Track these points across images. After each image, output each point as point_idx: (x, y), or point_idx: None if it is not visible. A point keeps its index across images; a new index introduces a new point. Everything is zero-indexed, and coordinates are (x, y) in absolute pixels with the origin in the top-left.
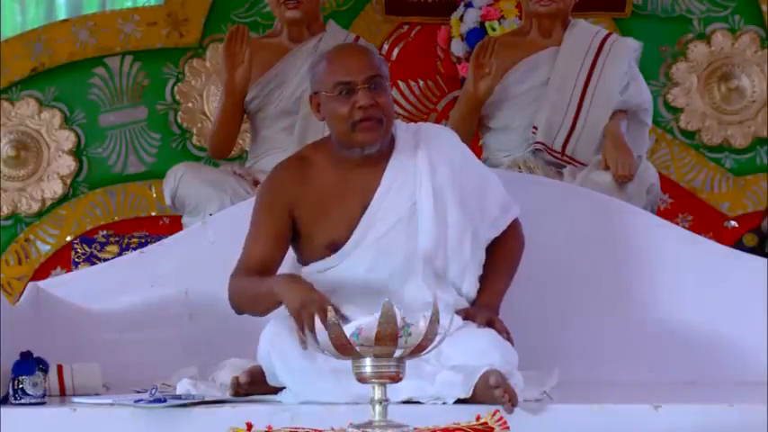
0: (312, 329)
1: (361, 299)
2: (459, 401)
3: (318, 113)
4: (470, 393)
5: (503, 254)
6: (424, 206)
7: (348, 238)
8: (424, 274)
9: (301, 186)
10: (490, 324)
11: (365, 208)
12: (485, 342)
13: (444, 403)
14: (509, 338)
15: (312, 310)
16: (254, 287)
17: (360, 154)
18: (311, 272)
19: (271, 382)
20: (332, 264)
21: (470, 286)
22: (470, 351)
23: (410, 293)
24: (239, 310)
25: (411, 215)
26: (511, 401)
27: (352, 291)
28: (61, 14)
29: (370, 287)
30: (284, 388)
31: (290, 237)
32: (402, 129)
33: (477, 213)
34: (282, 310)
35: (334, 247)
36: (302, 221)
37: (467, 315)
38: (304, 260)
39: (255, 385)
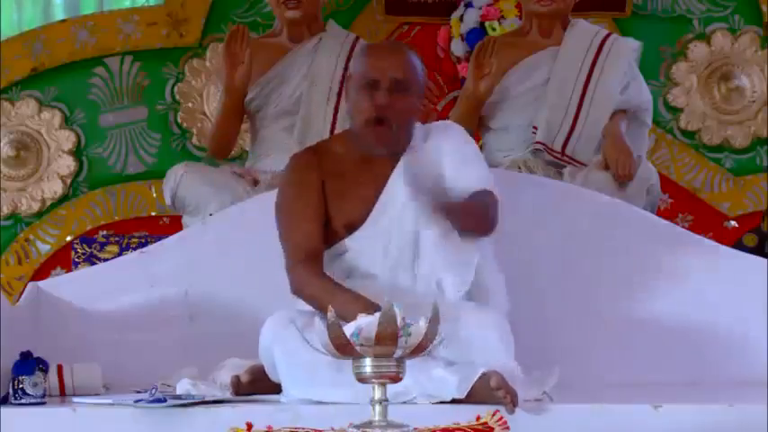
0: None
1: (378, 282)
2: (458, 401)
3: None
4: (465, 395)
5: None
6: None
7: (365, 220)
8: (433, 255)
9: (321, 169)
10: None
11: (379, 192)
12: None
13: (442, 402)
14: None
15: None
16: (328, 298)
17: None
18: (332, 254)
19: (271, 376)
20: (350, 245)
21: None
22: (470, 341)
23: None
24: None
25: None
26: (512, 402)
27: (370, 272)
28: (59, 13)
29: (385, 268)
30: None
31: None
32: (418, 127)
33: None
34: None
35: (351, 228)
36: (327, 199)
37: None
38: (326, 241)
39: (256, 384)
